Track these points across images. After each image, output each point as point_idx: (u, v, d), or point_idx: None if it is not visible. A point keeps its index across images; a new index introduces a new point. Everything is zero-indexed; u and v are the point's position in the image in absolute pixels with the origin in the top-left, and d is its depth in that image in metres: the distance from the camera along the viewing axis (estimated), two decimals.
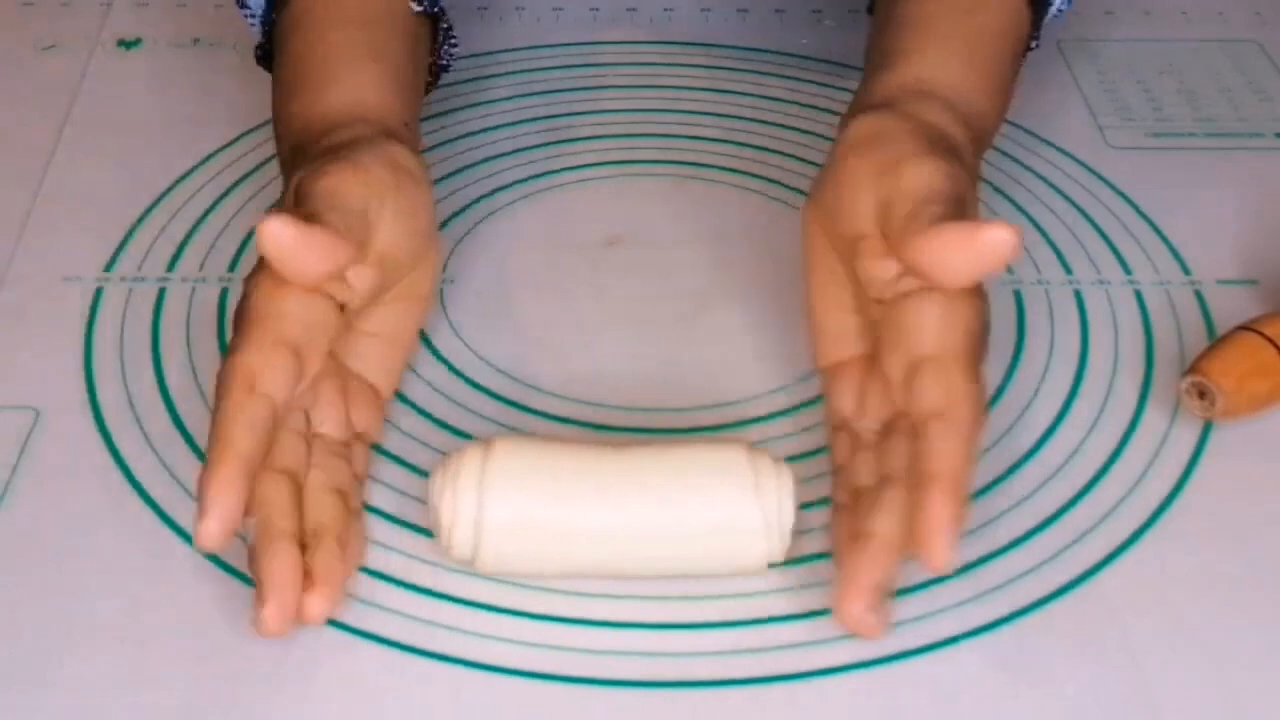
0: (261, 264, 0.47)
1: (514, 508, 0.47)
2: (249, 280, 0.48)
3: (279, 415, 0.47)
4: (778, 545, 0.48)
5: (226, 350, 0.47)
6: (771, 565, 0.49)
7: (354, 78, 0.55)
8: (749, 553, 0.48)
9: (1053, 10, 0.61)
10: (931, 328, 0.47)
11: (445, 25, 0.62)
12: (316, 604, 0.45)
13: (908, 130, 0.50)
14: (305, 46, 0.56)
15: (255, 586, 0.45)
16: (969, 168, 0.51)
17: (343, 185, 0.48)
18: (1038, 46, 0.61)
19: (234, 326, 0.48)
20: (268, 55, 0.60)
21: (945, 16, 0.56)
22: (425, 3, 0.60)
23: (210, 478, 0.44)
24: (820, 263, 0.52)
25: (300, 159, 0.52)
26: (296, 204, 0.48)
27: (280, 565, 0.45)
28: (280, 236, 0.45)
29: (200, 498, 0.44)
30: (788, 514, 0.48)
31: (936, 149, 0.50)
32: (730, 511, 0.47)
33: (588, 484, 0.47)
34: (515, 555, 0.48)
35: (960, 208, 0.48)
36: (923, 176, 0.48)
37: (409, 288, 0.52)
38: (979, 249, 0.45)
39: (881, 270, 0.48)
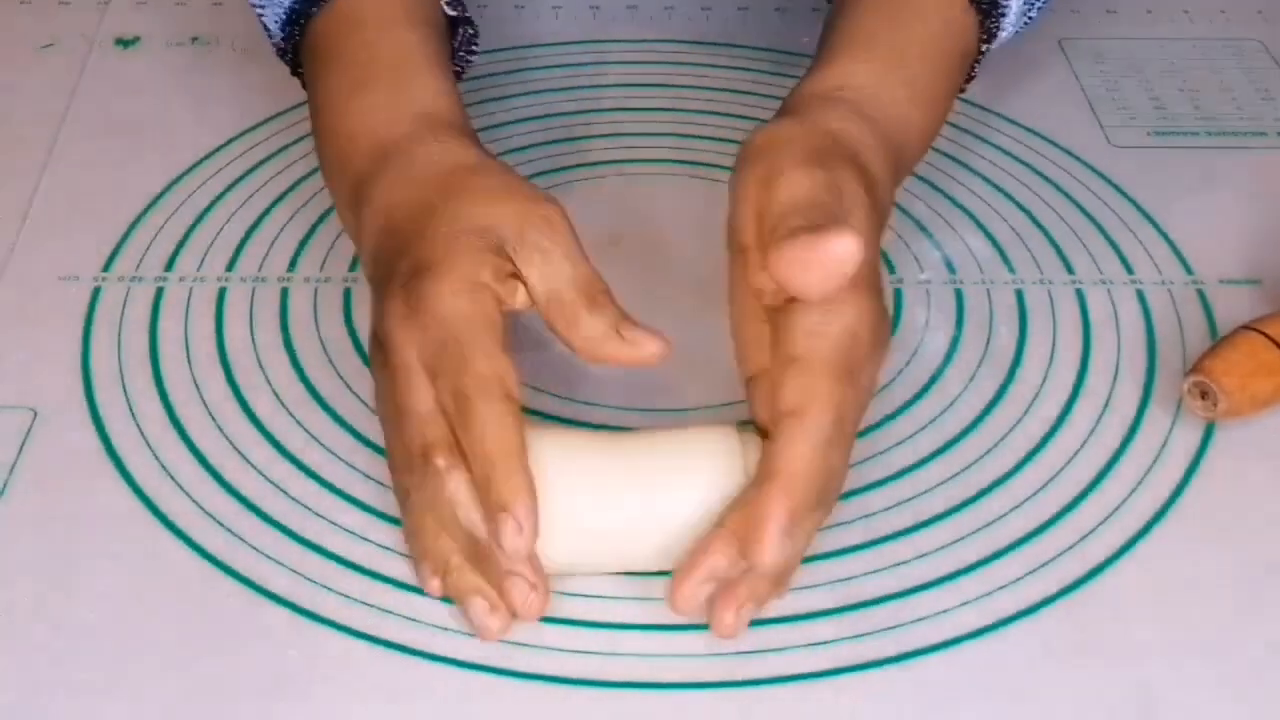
0: (446, 263, 0.47)
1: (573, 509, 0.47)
2: (428, 283, 0.47)
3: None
4: None
5: (437, 364, 0.46)
6: None
7: (435, 81, 0.55)
8: None
9: (1008, 25, 0.59)
10: (800, 332, 0.46)
11: (472, 31, 0.61)
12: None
13: (799, 138, 0.50)
14: (371, 44, 0.56)
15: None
16: (872, 176, 0.51)
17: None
18: (987, 51, 0.60)
19: (408, 330, 0.47)
20: (294, 48, 0.59)
21: (873, 25, 0.56)
22: (458, 7, 0.60)
23: (515, 488, 0.44)
24: (731, 275, 0.51)
25: (391, 154, 0.52)
26: (479, 230, 0.48)
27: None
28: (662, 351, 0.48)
29: (511, 509, 0.44)
30: None
31: (822, 159, 0.49)
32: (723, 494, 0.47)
33: (602, 486, 0.47)
34: (577, 552, 0.48)
35: (829, 218, 0.46)
36: (793, 188, 0.47)
37: None
38: (822, 260, 0.44)
39: (764, 281, 0.48)
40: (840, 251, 0.44)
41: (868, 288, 0.47)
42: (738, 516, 0.46)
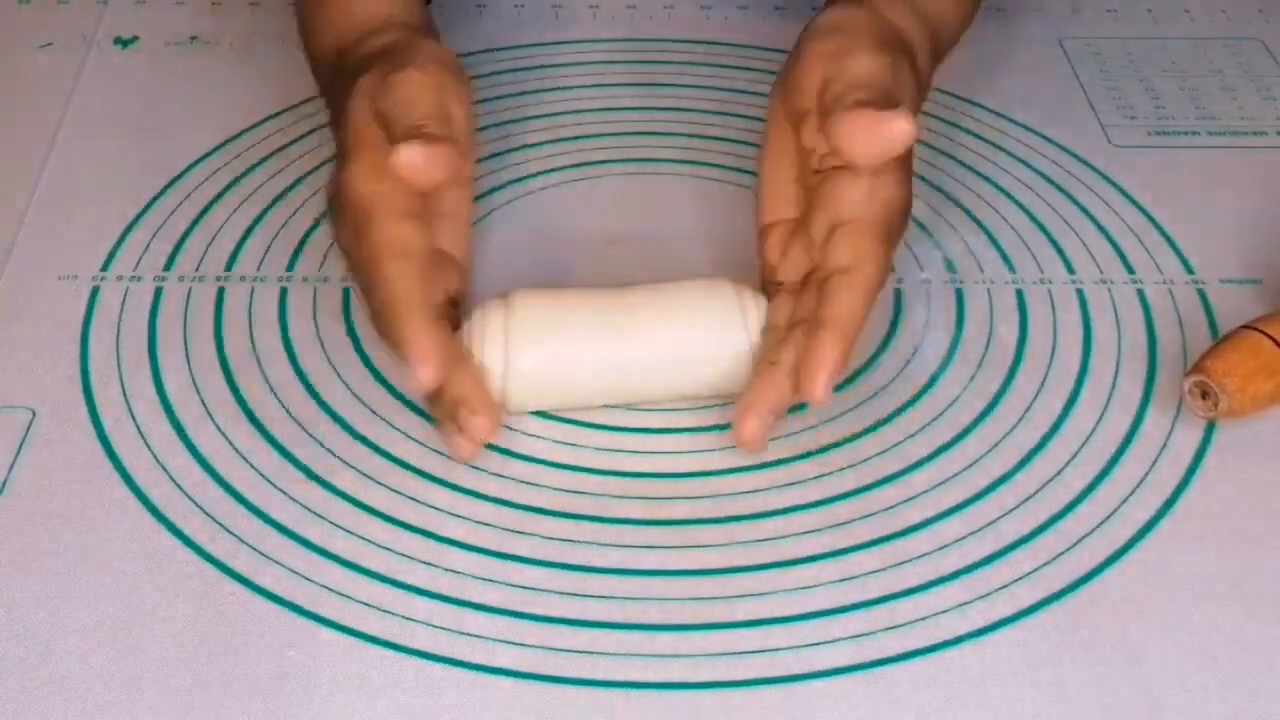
0: (353, 155, 0.53)
1: (536, 351, 0.52)
2: (342, 172, 0.53)
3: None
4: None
5: (352, 238, 0.52)
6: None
7: None
8: (736, 372, 0.53)
9: None
10: (854, 197, 0.53)
11: None
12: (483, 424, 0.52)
13: (866, 25, 0.56)
14: None
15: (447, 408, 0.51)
16: (919, 68, 0.57)
17: (420, 92, 0.54)
18: None
19: (341, 214, 0.53)
20: None
21: None
22: None
23: (410, 329, 0.50)
24: (775, 135, 0.57)
25: (343, 63, 0.58)
26: (376, 112, 0.53)
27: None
28: (414, 162, 0.51)
29: (408, 348, 0.50)
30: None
31: (886, 46, 0.55)
32: (721, 331, 0.53)
33: (597, 322, 0.52)
34: (541, 393, 0.53)
35: (889, 100, 0.52)
36: (864, 66, 0.53)
37: (461, 174, 0.57)
38: (881, 133, 0.51)
39: (820, 143, 0.54)
40: (898, 130, 0.51)
41: (906, 170, 0.54)
42: (790, 355, 0.51)
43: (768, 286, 0.56)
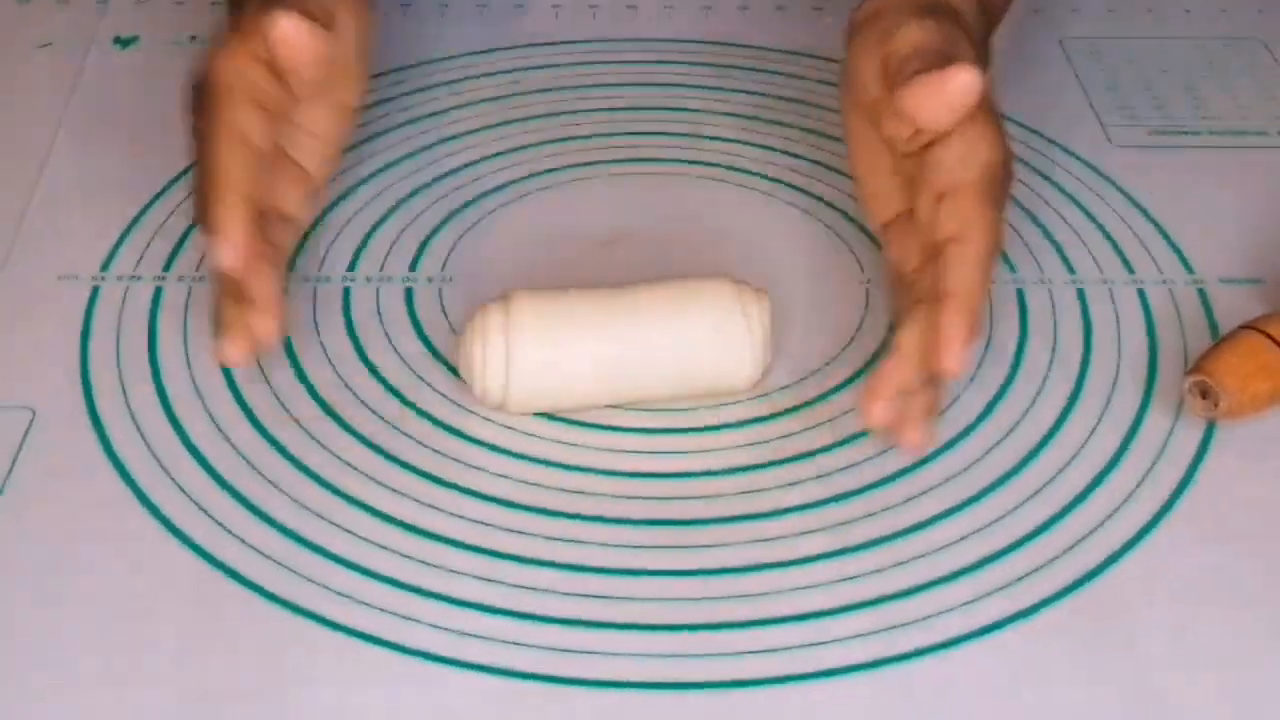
0: (230, 40, 0.53)
1: (537, 353, 0.52)
2: (215, 54, 0.53)
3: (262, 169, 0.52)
4: (760, 360, 0.54)
5: (199, 116, 0.52)
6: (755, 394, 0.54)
7: None
8: (738, 371, 0.53)
9: None
10: (948, 166, 0.51)
11: None
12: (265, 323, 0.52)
13: (903, 3, 0.55)
14: None
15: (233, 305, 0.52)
16: (967, 28, 0.55)
17: None
18: None
19: (199, 93, 0.53)
20: None
21: None
22: None
23: (224, 208, 0.50)
24: (856, 136, 0.57)
25: None
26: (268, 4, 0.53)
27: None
28: (294, 35, 0.51)
29: (211, 223, 0.50)
30: (767, 332, 0.54)
31: (927, 13, 0.54)
32: (721, 331, 0.53)
33: (598, 321, 0.52)
34: (542, 393, 0.53)
35: (945, 60, 0.51)
36: (909, 36, 0.53)
37: (339, 95, 0.57)
38: (946, 92, 0.50)
39: (898, 128, 0.53)
40: (962, 83, 0.50)
41: (996, 125, 0.52)
42: (911, 338, 0.50)
43: (899, 286, 0.55)
